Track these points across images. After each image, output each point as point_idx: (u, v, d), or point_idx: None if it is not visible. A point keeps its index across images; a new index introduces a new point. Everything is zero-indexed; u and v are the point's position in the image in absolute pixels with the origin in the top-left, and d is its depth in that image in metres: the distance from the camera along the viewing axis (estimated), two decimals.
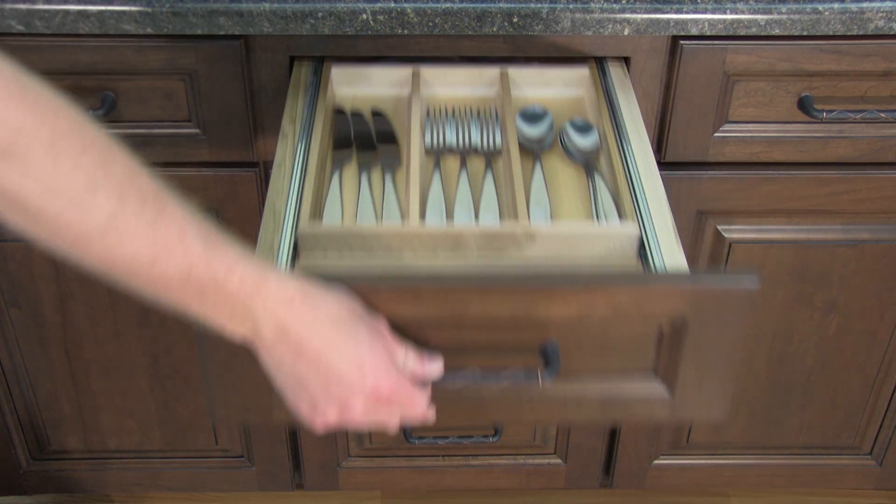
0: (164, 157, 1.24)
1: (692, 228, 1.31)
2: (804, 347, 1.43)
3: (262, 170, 1.25)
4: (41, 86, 0.65)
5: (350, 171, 1.04)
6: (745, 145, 1.23)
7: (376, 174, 1.04)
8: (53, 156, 0.62)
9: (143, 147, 1.22)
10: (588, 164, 1.04)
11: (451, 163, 1.06)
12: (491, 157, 1.06)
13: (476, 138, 1.08)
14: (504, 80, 1.15)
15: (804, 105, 1.20)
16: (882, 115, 1.20)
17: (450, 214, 0.98)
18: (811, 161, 1.25)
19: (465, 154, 1.07)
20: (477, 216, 0.98)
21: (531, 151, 1.06)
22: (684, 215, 1.28)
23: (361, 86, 1.18)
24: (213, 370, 0.80)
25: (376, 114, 1.14)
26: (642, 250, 0.91)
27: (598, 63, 1.18)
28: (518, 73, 1.17)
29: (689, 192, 1.27)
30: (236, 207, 1.28)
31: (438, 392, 0.79)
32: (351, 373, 0.73)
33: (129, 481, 1.60)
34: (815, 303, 1.38)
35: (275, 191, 0.95)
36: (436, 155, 1.06)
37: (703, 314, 0.79)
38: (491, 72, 1.17)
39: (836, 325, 1.41)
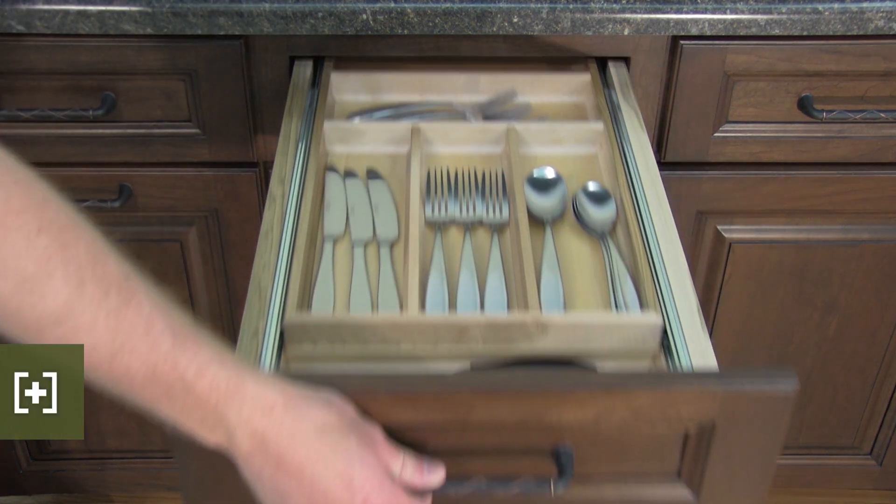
0: (164, 157, 1.24)
1: (692, 228, 1.31)
2: (804, 347, 1.43)
3: (262, 170, 1.25)
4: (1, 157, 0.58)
5: (343, 243, 0.95)
6: (745, 145, 1.23)
7: (372, 247, 0.95)
8: (3, 234, 0.56)
9: (143, 147, 1.23)
10: (604, 235, 0.95)
11: (455, 234, 0.97)
12: (498, 228, 0.97)
13: (481, 209, 0.98)
14: (511, 137, 1.04)
15: (804, 105, 1.19)
16: (882, 115, 1.20)
17: (452, 297, 0.89)
18: (811, 161, 1.25)
19: (469, 226, 0.97)
20: (482, 300, 0.88)
21: (541, 221, 0.97)
22: (684, 215, 1.28)
23: (356, 143, 1.07)
24: (190, 474, 0.72)
25: (372, 175, 1.04)
26: (665, 340, 0.83)
27: (599, 63, 1.18)
28: (525, 129, 1.06)
29: (689, 192, 1.27)
30: (236, 207, 1.28)
31: (441, 501, 0.73)
32: (338, 488, 0.65)
33: (129, 481, 1.60)
34: (815, 303, 1.38)
35: (260, 264, 0.87)
36: (438, 227, 0.96)
37: (733, 418, 0.70)
38: (496, 128, 1.07)
39: (836, 325, 1.41)
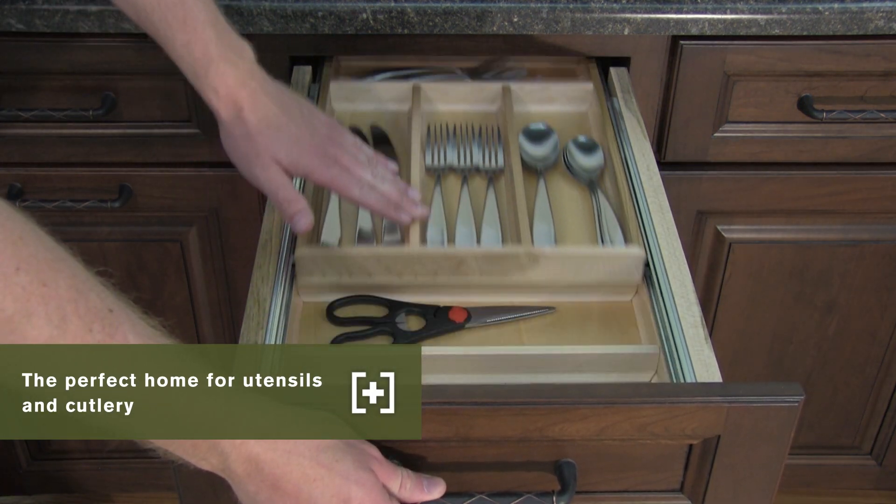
0: (164, 157, 1.24)
1: (692, 228, 1.31)
2: (804, 347, 1.43)
3: None
4: None
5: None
6: (745, 145, 1.23)
7: None
8: None
9: (143, 147, 1.23)
10: (592, 183, 1.02)
11: (453, 182, 1.04)
12: (493, 176, 1.04)
13: (478, 158, 1.06)
14: (506, 96, 1.11)
15: (804, 105, 1.19)
16: (882, 115, 1.19)
17: (451, 235, 0.95)
18: (811, 161, 1.25)
19: (466, 174, 1.04)
20: (479, 237, 0.95)
21: (534, 170, 1.04)
22: (684, 215, 1.28)
23: (360, 102, 1.14)
24: (188, 493, 0.73)
25: (376, 131, 1.11)
26: (648, 272, 0.90)
27: (599, 63, 1.18)
28: (520, 89, 1.13)
29: (689, 192, 1.27)
30: (236, 207, 1.28)
31: None
32: None
33: (129, 481, 1.60)
34: (815, 303, 1.38)
35: (259, 276, 0.88)
36: (437, 174, 1.04)
37: (738, 432, 0.71)
38: (493, 87, 1.14)
39: (836, 325, 1.41)
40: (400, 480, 0.69)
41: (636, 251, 0.89)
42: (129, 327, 0.61)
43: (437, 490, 0.70)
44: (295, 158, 0.87)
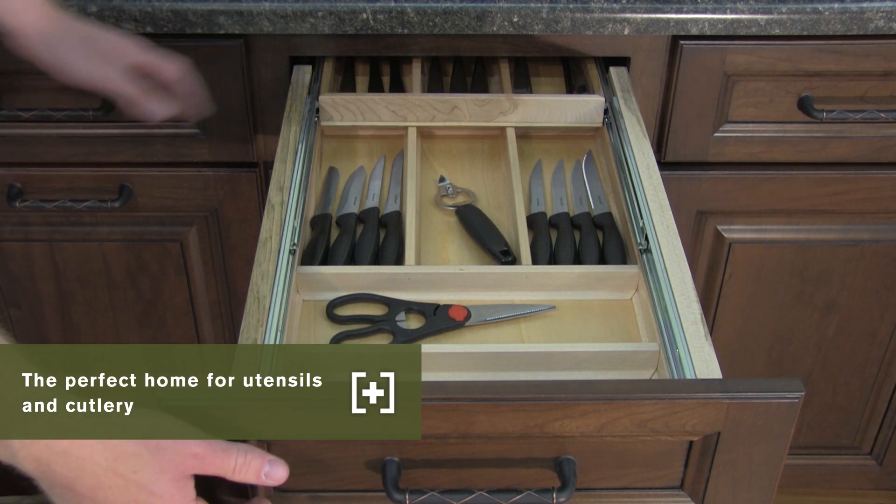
0: (164, 157, 1.24)
1: (692, 228, 1.31)
2: (804, 347, 1.43)
3: (262, 170, 1.25)
4: None
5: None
6: (745, 145, 1.23)
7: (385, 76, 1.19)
8: None
9: (143, 147, 1.23)
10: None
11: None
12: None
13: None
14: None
15: (804, 105, 1.19)
16: (882, 115, 1.19)
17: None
18: (811, 161, 1.25)
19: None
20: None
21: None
22: (684, 215, 1.28)
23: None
24: None
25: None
26: (606, 118, 1.10)
27: (599, 63, 1.18)
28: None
29: (689, 192, 1.27)
30: (236, 207, 1.28)
31: None
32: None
33: None
34: (815, 303, 1.38)
35: (259, 273, 0.88)
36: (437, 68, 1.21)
37: (738, 428, 0.71)
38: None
39: (836, 325, 1.41)
40: (234, 466, 0.68)
41: (597, 98, 1.10)
42: None
43: (278, 472, 0.69)
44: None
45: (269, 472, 0.69)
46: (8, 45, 1.02)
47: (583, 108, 1.11)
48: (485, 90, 1.18)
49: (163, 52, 1.03)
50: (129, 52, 1.01)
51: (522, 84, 1.19)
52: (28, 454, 0.65)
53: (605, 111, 1.11)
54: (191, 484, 0.67)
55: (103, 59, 1.01)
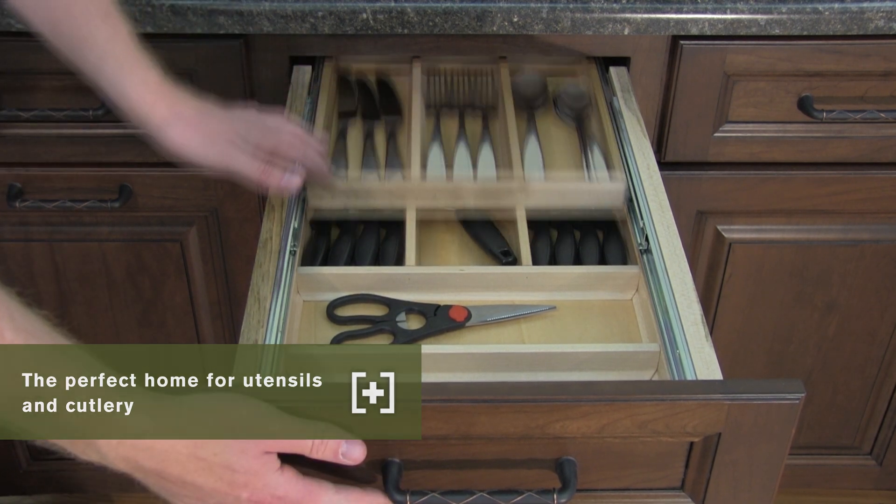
0: (164, 156, 1.24)
1: (692, 228, 1.31)
2: (804, 347, 1.43)
3: None
4: None
5: (354, 130, 1.13)
6: (745, 145, 1.23)
7: (380, 136, 1.11)
8: None
9: (144, 147, 1.23)
10: (580, 120, 1.14)
11: (450, 125, 1.14)
12: (488, 114, 1.14)
13: (473, 96, 1.16)
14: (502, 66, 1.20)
15: (804, 105, 1.20)
16: (882, 115, 1.20)
17: (449, 161, 1.06)
18: (811, 161, 1.25)
19: (462, 111, 1.15)
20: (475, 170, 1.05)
21: (525, 113, 1.14)
22: (684, 215, 1.28)
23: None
24: None
25: (381, 82, 1.19)
26: (630, 204, 0.98)
27: (599, 63, 1.18)
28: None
29: (689, 192, 1.27)
30: (236, 207, 1.28)
31: None
32: (222, 488, 0.68)
33: (128, 481, 1.59)
34: (815, 303, 1.38)
35: (259, 274, 0.90)
36: (436, 113, 1.14)
37: (739, 429, 0.71)
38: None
39: (836, 325, 1.41)
40: (311, 445, 0.69)
41: (619, 185, 0.98)
42: (8, 322, 0.65)
43: (355, 451, 0.69)
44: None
45: (347, 451, 0.69)
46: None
47: (602, 195, 1.00)
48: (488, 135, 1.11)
49: (276, 119, 1.00)
50: (251, 135, 0.97)
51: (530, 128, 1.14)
52: (117, 455, 0.67)
53: (629, 197, 0.99)
54: (273, 457, 0.69)
55: (229, 142, 0.97)
